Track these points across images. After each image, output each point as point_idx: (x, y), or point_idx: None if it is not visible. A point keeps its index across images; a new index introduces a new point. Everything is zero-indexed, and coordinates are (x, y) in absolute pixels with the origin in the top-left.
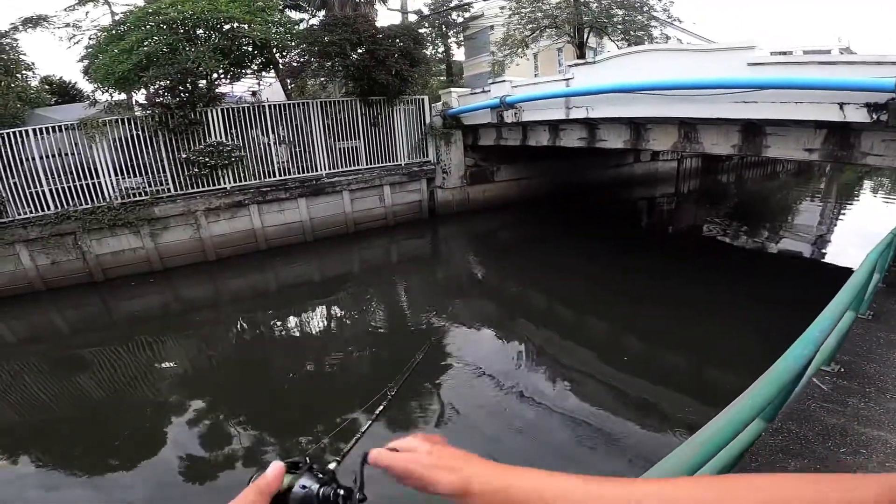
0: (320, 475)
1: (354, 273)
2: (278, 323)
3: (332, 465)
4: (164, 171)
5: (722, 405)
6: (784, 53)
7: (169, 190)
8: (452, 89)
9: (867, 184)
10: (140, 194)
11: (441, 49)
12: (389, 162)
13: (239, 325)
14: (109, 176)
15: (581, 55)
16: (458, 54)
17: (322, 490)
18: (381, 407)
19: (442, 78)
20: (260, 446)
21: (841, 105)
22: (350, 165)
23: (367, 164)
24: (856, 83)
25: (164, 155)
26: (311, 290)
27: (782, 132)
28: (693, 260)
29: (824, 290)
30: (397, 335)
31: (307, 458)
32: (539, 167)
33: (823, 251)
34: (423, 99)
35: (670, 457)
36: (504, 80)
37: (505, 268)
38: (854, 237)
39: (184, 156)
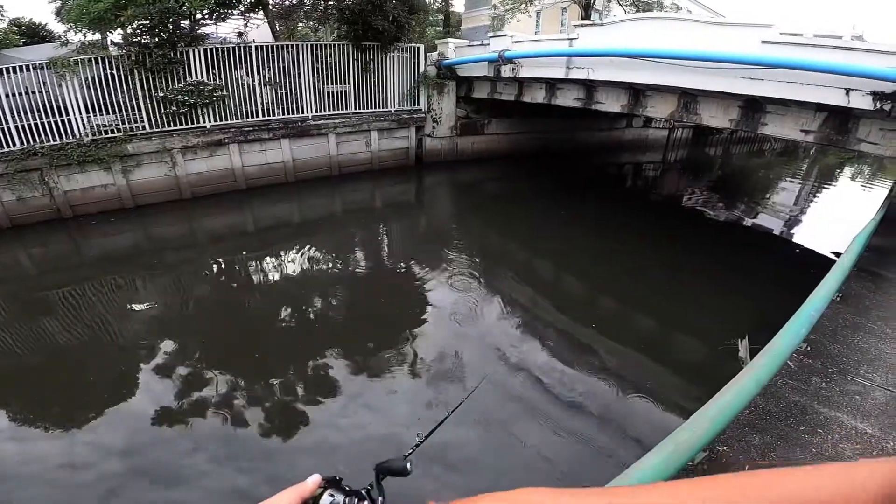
0: (347, 487)
1: (336, 215)
2: (254, 264)
3: (365, 488)
4: (139, 109)
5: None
6: (794, 35)
7: (144, 128)
8: (450, 40)
9: (848, 169)
10: (112, 131)
11: None
12: (379, 108)
13: (214, 266)
14: (80, 113)
15: (586, 17)
16: (458, 5)
17: (346, 499)
18: (417, 445)
19: (438, 28)
20: (232, 391)
21: (847, 90)
22: (338, 109)
23: (355, 109)
24: (869, 70)
25: (139, 93)
26: (290, 231)
27: (782, 111)
28: (671, 226)
29: (788, 267)
30: (374, 279)
31: (336, 476)
32: (530, 123)
33: (793, 231)
34: (418, 47)
35: (681, 430)
36: (504, 35)
37: (487, 218)
38: (827, 220)
39: (161, 94)
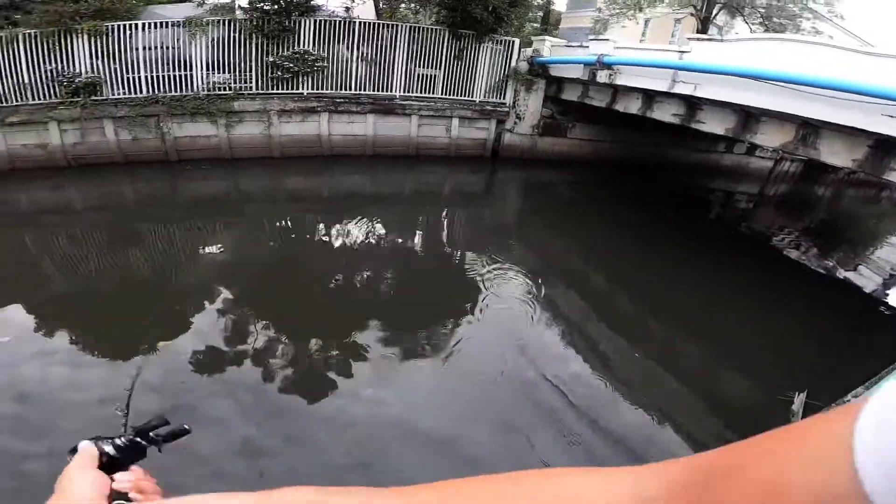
0: (108, 439)
1: (405, 194)
2: (322, 229)
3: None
4: (251, 71)
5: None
6: None
7: (251, 88)
8: (546, 37)
9: None
10: (225, 89)
11: None
12: (465, 96)
13: (286, 223)
14: (201, 70)
15: (703, 31)
16: (559, 4)
17: (115, 443)
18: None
19: (536, 25)
20: (270, 346)
21: None
22: (425, 92)
23: (441, 94)
24: None
25: (253, 56)
26: (360, 200)
27: None
28: (751, 263)
29: (872, 329)
30: (428, 262)
31: (90, 439)
32: (617, 133)
33: (888, 292)
34: (513, 41)
35: None
36: (607, 39)
37: (553, 222)
38: None
39: (270, 59)
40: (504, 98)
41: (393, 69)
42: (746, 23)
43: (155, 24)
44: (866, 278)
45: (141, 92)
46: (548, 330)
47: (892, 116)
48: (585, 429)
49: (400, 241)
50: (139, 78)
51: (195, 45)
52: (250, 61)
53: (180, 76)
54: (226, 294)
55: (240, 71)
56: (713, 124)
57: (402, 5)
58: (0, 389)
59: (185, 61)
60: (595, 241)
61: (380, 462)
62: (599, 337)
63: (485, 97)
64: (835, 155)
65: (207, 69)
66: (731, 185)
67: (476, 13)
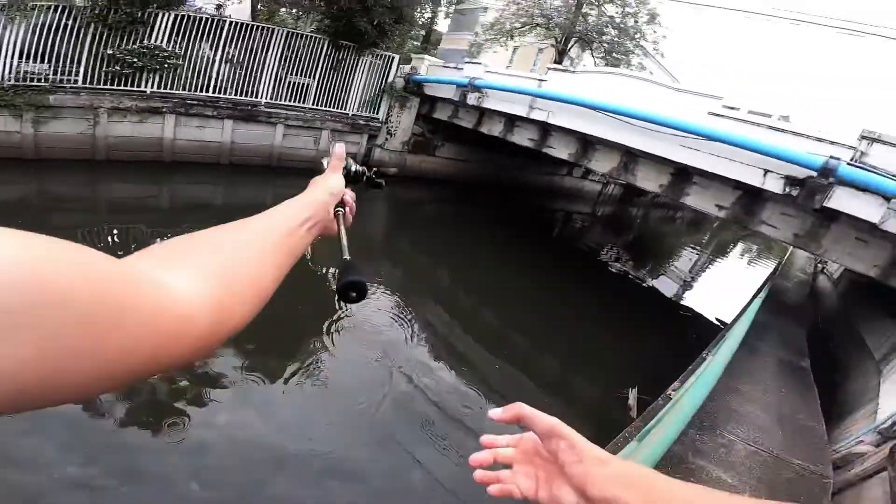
0: (354, 162)
1: (264, 206)
2: (157, 241)
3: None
4: (78, 62)
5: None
6: (732, 108)
7: (76, 81)
8: (425, 56)
9: (740, 245)
10: (39, 80)
11: (428, 14)
12: (337, 108)
13: (113, 235)
14: (9, 58)
15: (559, 61)
16: (442, 26)
17: (356, 168)
18: None
19: (417, 43)
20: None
21: (765, 172)
22: (296, 101)
23: (313, 105)
24: (788, 154)
25: (85, 47)
26: (207, 214)
27: (705, 184)
28: (586, 276)
29: (677, 328)
30: (288, 283)
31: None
32: (480, 154)
33: (684, 295)
34: (393, 57)
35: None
36: (479, 63)
37: (418, 239)
38: (711, 289)
39: (109, 52)
40: (377, 113)
41: (262, 74)
42: (593, 56)
43: None
44: (668, 285)
45: None
46: (419, 346)
47: (690, 148)
48: (460, 435)
49: None
50: None
51: (10, 31)
52: (81, 52)
53: None
54: None
55: (64, 61)
56: (560, 149)
57: (283, 10)
58: None
59: None
60: (458, 257)
61: (253, 489)
62: (467, 349)
63: (358, 111)
64: (647, 181)
65: (20, 57)
66: (570, 206)
67: (361, 26)
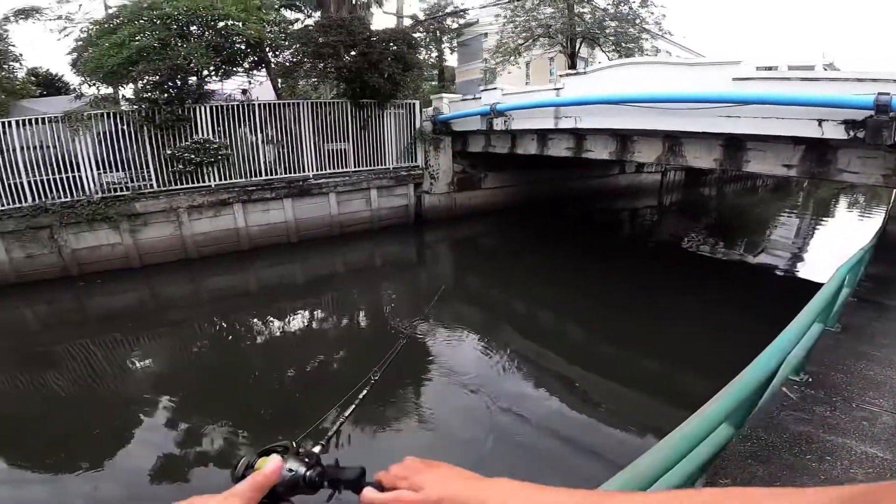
0: (306, 459)
1: (338, 275)
2: (257, 323)
3: (316, 449)
4: (148, 167)
5: (692, 410)
6: (770, 69)
7: (151, 186)
8: (444, 95)
9: (843, 200)
10: (121, 189)
11: (434, 54)
12: (378, 165)
13: (217, 325)
14: (91, 170)
15: (572, 65)
16: (451, 60)
17: (308, 473)
18: (364, 392)
19: (434, 83)
20: (234, 445)
21: (819, 122)
22: (338, 167)
23: (354, 167)
24: (835, 100)
25: (148, 150)
26: (292, 291)
27: (762, 147)
28: (672, 270)
29: (795, 302)
30: (378, 338)
31: (293, 443)
32: (526, 175)
33: (797, 265)
34: (413, 103)
35: (639, 461)
36: (495, 88)
37: (488, 273)
38: (826, 252)
39: (169, 152)
40: (416, 160)
41: (301, 148)
42: (603, 51)
43: (30, 120)
44: (774, 258)
45: (26, 200)
46: (511, 377)
47: (729, 117)
48: (576, 457)
49: (341, 324)
50: (21, 184)
51: (79, 143)
52: (146, 156)
53: (68, 178)
54: (170, 404)
55: (136, 167)
56: (599, 151)
57: (301, 82)
58: None
59: (70, 161)
60: (529, 282)
61: None
62: (559, 369)
63: (398, 163)
64: (699, 159)
65: (98, 168)
66: (633, 203)
67: (373, 82)
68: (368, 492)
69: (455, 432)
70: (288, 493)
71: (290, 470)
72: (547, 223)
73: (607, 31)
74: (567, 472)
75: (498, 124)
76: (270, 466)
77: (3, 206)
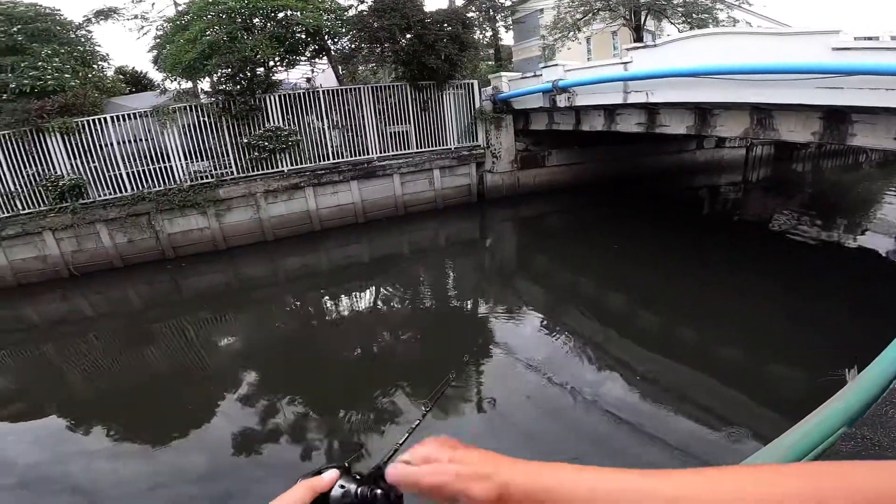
0: (357, 476)
1: (403, 255)
2: (330, 302)
3: (367, 472)
4: (228, 155)
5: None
6: (870, 38)
7: (232, 173)
8: (502, 73)
9: None
10: (207, 177)
11: (489, 33)
12: (439, 146)
13: (293, 304)
14: (179, 160)
15: (638, 39)
16: (507, 38)
17: (360, 489)
18: (417, 423)
19: (490, 62)
20: (301, 421)
21: None
22: (400, 149)
23: (417, 148)
24: None
25: (227, 140)
26: (361, 270)
27: (871, 120)
28: (758, 252)
29: None
30: (444, 318)
31: (346, 463)
32: (593, 152)
33: None
34: (472, 83)
35: (755, 458)
36: (556, 64)
37: (554, 253)
38: None
39: (245, 140)
40: (477, 140)
41: (365, 131)
42: (672, 24)
43: (123, 116)
44: (878, 240)
45: (125, 190)
46: (578, 361)
47: (831, 88)
48: (644, 445)
49: (408, 301)
50: (121, 175)
51: (168, 135)
52: (225, 145)
53: (160, 168)
54: (249, 377)
55: (218, 156)
56: (675, 125)
57: (361, 68)
58: (53, 484)
59: (161, 152)
60: (598, 261)
61: None
62: (629, 355)
63: (459, 143)
64: (793, 133)
65: (186, 158)
66: (713, 180)
67: (431, 63)
68: (394, 467)
69: (518, 416)
70: None
71: (342, 486)
72: (617, 201)
73: (675, 1)
74: (629, 460)
75: (561, 101)
76: (329, 475)
77: (106, 195)
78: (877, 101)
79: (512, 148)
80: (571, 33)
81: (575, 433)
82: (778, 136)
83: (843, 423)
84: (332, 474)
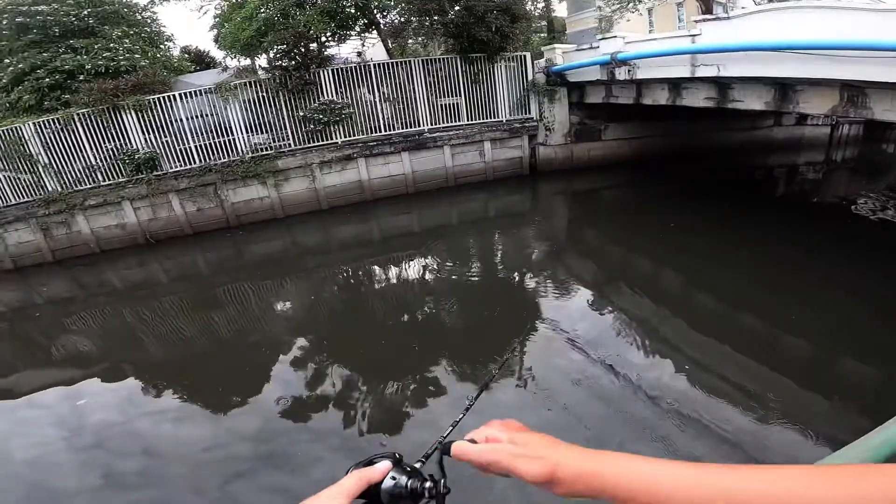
0: (408, 468)
1: (453, 225)
2: (379, 270)
3: (417, 465)
4: (285, 128)
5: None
6: None
7: (289, 145)
8: (556, 45)
9: None
10: (266, 149)
11: (541, 4)
12: (490, 118)
13: (345, 271)
14: (242, 133)
15: (707, 10)
16: (560, 10)
17: (410, 482)
18: (462, 416)
19: (543, 35)
20: (350, 387)
21: None
22: (451, 121)
23: (467, 121)
24: None
25: (284, 113)
26: (410, 240)
27: None
28: (838, 234)
29: None
30: (487, 289)
31: (397, 454)
32: (654, 126)
33: None
34: (524, 55)
35: (835, 456)
36: (615, 36)
37: (608, 229)
38: None
39: (301, 114)
40: (529, 113)
41: (416, 104)
42: None
43: (190, 93)
44: None
45: (194, 162)
46: (627, 343)
47: None
48: (692, 438)
49: (455, 272)
50: (189, 148)
51: (230, 110)
52: (283, 118)
53: (224, 142)
54: (302, 343)
55: (276, 129)
56: (750, 101)
57: (410, 41)
58: (121, 443)
59: (225, 126)
60: (653, 240)
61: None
62: (682, 339)
63: (511, 115)
64: (889, 111)
65: (247, 132)
66: (791, 159)
67: (481, 35)
68: (459, 444)
69: (559, 398)
70: (391, 503)
71: (393, 478)
72: (679, 178)
73: None
74: (672, 449)
75: (620, 74)
76: (381, 466)
77: (177, 168)
78: None
79: (566, 121)
80: (631, 4)
81: (621, 418)
82: (871, 114)
83: None
84: (384, 465)
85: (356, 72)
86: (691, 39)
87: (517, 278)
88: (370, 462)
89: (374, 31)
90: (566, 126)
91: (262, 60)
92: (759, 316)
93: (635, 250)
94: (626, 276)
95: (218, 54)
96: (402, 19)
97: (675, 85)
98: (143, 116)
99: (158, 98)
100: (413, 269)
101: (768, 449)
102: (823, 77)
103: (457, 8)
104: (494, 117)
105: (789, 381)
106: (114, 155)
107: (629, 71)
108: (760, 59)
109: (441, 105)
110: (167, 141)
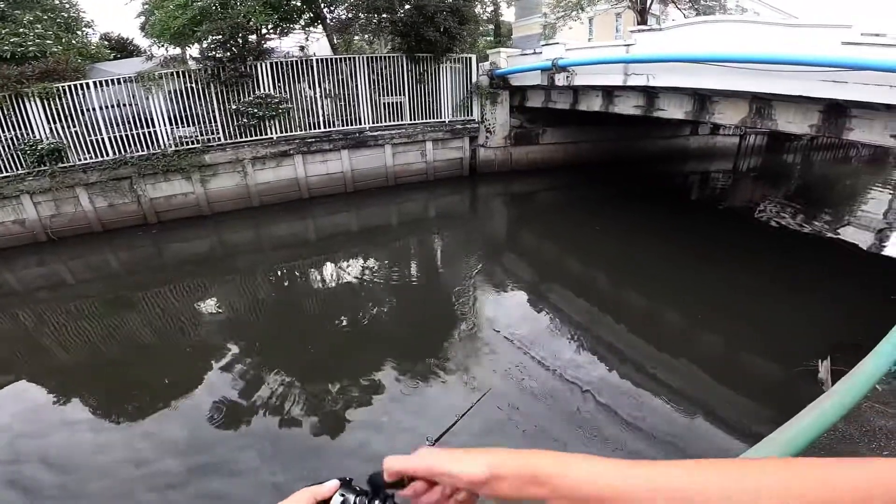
0: (358, 488)
1: (391, 226)
2: (314, 271)
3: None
4: (215, 121)
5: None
6: (876, 35)
7: (219, 139)
8: (501, 49)
9: None
10: (192, 142)
11: (490, 8)
12: (433, 118)
13: (276, 271)
14: (165, 125)
15: (642, 22)
16: (508, 14)
17: (357, 499)
18: (455, 422)
19: (489, 38)
20: (284, 391)
21: None
22: (394, 120)
23: (410, 120)
24: None
25: (215, 106)
26: (347, 239)
27: (870, 115)
28: (741, 238)
29: (876, 285)
30: (424, 289)
31: (348, 477)
32: (587, 132)
33: (884, 244)
34: (470, 58)
35: (752, 452)
36: (557, 43)
37: (541, 230)
38: None
39: (234, 107)
40: (472, 114)
41: (358, 101)
42: (679, 9)
43: (106, 81)
44: (859, 234)
45: (107, 154)
46: (561, 339)
47: (835, 82)
48: (620, 430)
49: (394, 272)
50: (103, 140)
51: (153, 100)
52: (213, 111)
53: (144, 133)
54: (231, 347)
55: (205, 122)
56: (673, 110)
57: (356, 38)
58: (35, 456)
59: (146, 118)
60: (586, 241)
61: None
62: (613, 336)
63: (453, 116)
64: (791, 124)
65: (171, 124)
66: (704, 166)
67: (429, 35)
68: (390, 458)
69: (498, 394)
70: None
71: (342, 495)
72: (609, 183)
73: None
74: (610, 447)
75: (560, 80)
76: (330, 484)
77: (87, 160)
78: (880, 97)
79: (506, 124)
80: (574, 12)
81: (557, 415)
82: (776, 126)
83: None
84: (332, 483)
85: (297, 66)
86: (626, 49)
87: (455, 279)
88: (320, 483)
89: (320, 26)
90: (506, 129)
91: (193, 50)
92: (679, 312)
93: (570, 251)
94: (560, 275)
95: (144, 43)
96: (350, 15)
97: (609, 92)
98: (50, 105)
99: (69, 86)
100: (350, 270)
101: (695, 441)
102: (736, 89)
103: (407, 7)
104: (437, 118)
105: (702, 372)
106: (13, 145)
107: (567, 77)
108: (684, 71)
109: (384, 104)
110: (76, 131)
